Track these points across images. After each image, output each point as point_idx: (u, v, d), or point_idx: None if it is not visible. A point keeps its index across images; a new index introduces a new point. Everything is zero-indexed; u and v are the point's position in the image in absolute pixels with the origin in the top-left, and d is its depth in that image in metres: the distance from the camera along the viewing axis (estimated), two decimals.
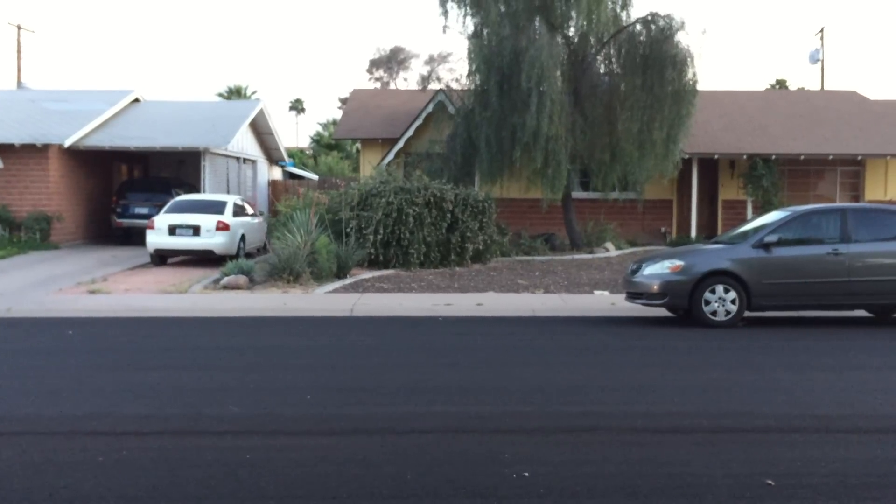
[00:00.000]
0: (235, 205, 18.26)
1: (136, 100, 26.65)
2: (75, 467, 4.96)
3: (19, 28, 35.62)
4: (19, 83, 33.68)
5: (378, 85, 53.42)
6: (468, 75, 19.13)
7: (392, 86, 52.52)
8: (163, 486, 4.63)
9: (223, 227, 17.03)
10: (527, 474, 4.84)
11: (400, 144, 22.08)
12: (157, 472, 4.86)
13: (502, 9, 18.38)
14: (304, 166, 40.22)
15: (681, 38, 18.24)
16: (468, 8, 18.93)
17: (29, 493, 4.55)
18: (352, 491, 4.56)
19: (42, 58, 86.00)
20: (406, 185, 16.69)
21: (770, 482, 4.74)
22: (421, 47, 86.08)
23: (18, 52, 35.44)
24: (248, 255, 17.76)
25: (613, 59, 19.20)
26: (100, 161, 23.38)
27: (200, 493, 4.56)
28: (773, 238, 10.72)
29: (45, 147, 20.71)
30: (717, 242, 12.17)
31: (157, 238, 17.06)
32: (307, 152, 49.82)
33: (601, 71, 19.45)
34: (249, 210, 19.47)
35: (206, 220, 17.02)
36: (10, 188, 20.80)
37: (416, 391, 6.96)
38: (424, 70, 48.57)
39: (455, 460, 5.11)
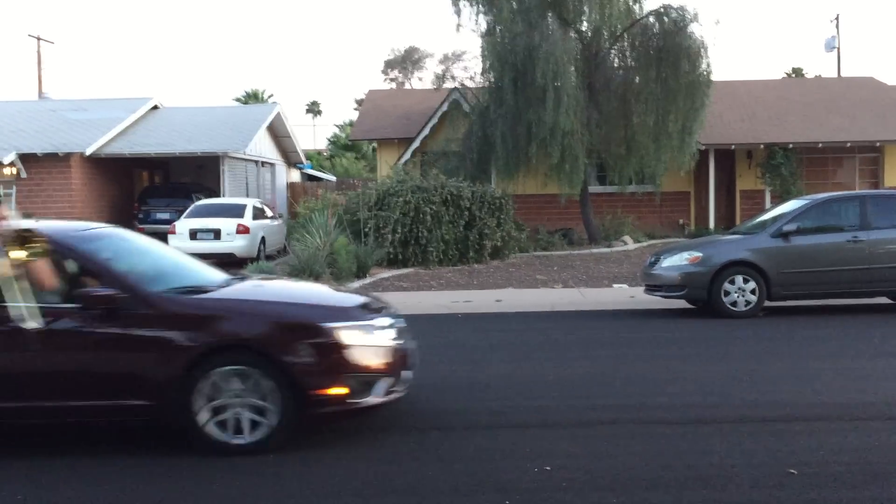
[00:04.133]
0: (255, 208, 18.43)
1: (155, 107, 26.95)
2: None
3: (39, 39, 36.07)
4: (40, 93, 34.12)
5: (393, 85, 53.48)
6: (482, 73, 19.16)
7: (407, 86, 52.55)
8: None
9: (243, 230, 17.19)
10: (548, 468, 4.88)
11: (416, 144, 22.14)
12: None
13: (514, 6, 18.38)
14: (321, 168, 40.41)
15: (694, 29, 18.18)
16: (480, 6, 18.95)
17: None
18: (377, 490, 4.63)
19: (62, 68, 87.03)
20: (423, 184, 16.76)
21: (793, 471, 4.74)
22: (435, 47, 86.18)
23: (39, 63, 35.87)
24: (269, 258, 17.92)
25: (627, 53, 19.15)
26: (121, 168, 23.68)
27: None
28: (791, 227, 10.68)
29: (67, 156, 21.01)
30: (735, 233, 12.14)
31: (179, 243, 17.22)
32: (324, 154, 50.03)
33: (615, 65, 19.40)
34: (269, 213, 19.64)
35: (227, 224, 17.19)
36: (33, 197, 21.13)
37: (438, 388, 7.02)
38: (439, 69, 48.50)
39: (475, 456, 5.16)
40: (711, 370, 7.54)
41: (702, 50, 18.02)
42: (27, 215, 20.43)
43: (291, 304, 5.78)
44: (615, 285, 13.95)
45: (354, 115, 45.62)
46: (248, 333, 5.27)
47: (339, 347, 5.28)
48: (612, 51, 19.32)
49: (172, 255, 6.74)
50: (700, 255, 10.87)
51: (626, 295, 12.79)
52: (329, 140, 55.28)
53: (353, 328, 5.40)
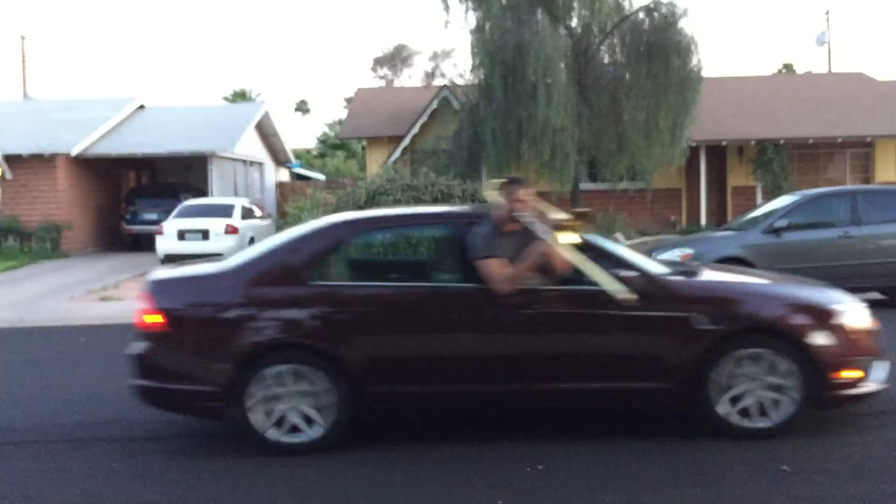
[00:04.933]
0: (243, 208, 18.30)
1: (142, 106, 26.75)
2: (90, 475, 4.98)
3: (23, 39, 35.81)
4: (25, 93, 33.87)
5: (382, 83, 53.38)
6: (472, 70, 19.06)
7: (396, 83, 52.46)
8: (176, 493, 4.65)
9: (232, 230, 17.05)
10: (541, 468, 4.83)
11: (406, 142, 22.05)
12: (170, 478, 4.87)
13: (504, 2, 18.30)
14: (310, 167, 40.26)
15: (684, 24, 18.10)
16: (469, 2, 18.84)
17: (44, 501, 4.57)
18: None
19: (47, 67, 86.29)
20: (413, 183, 16.66)
21: (786, 468, 4.72)
22: (424, 44, 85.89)
23: (23, 62, 35.60)
24: None
25: (617, 49, 19.09)
26: (107, 169, 23.48)
27: (214, 496, 4.57)
28: (783, 223, 10.67)
29: (53, 157, 20.81)
30: (727, 229, 12.11)
31: (167, 243, 17.10)
32: (314, 153, 49.87)
33: (605, 61, 19.35)
34: (258, 212, 19.50)
35: (215, 224, 17.05)
36: (18, 199, 20.92)
37: None
38: (428, 67, 48.55)
39: (468, 456, 5.11)
40: None
41: (692, 46, 17.99)
42: (14, 216, 20.27)
43: (794, 286, 5.82)
44: None
45: (343, 114, 45.51)
46: (768, 316, 5.30)
47: (846, 329, 5.31)
48: (602, 47, 19.26)
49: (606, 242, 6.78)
50: (692, 251, 10.81)
51: None
52: (318, 139, 55.13)
53: (851, 309, 5.43)
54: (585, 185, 21.19)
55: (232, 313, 5.24)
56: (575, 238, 5.15)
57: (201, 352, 5.22)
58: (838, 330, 5.28)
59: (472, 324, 5.23)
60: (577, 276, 5.19)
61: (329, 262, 5.51)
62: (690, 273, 5.68)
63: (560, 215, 5.37)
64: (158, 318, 5.26)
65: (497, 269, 5.11)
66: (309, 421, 5.16)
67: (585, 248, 5.29)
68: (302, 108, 70.26)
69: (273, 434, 5.15)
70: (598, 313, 5.24)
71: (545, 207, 5.60)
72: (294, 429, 5.16)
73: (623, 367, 5.26)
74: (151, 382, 5.30)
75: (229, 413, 5.23)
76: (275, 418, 5.14)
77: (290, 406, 5.14)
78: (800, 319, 5.27)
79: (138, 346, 5.37)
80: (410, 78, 52.96)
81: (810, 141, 21.54)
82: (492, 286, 5.12)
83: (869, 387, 5.35)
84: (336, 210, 16.96)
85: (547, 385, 5.25)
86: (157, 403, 5.44)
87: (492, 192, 5.70)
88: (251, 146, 26.37)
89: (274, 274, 5.32)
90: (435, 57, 48.10)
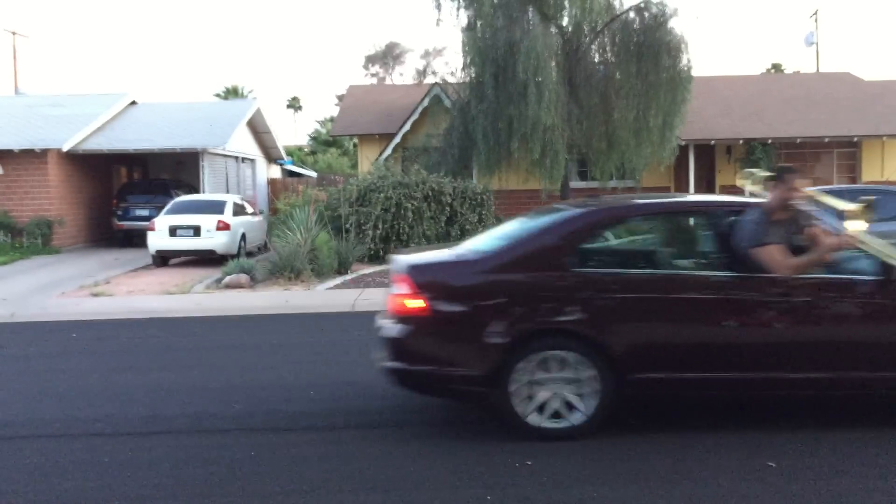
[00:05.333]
0: (235, 204, 18.30)
1: (133, 102, 26.66)
2: (80, 469, 5.01)
3: (14, 34, 35.60)
4: (16, 89, 33.69)
5: (374, 80, 53.37)
6: (463, 68, 19.09)
7: (388, 81, 52.45)
8: (168, 486, 4.69)
9: (223, 226, 17.06)
10: (529, 463, 4.87)
11: (397, 139, 22.08)
12: (161, 472, 4.91)
13: (495, 0, 18.36)
14: (302, 164, 40.22)
15: (674, 24, 18.23)
16: (461, 0, 18.89)
17: (35, 496, 4.60)
18: (318, 484, 4.62)
19: (38, 63, 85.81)
20: (404, 180, 16.71)
21: (772, 464, 4.78)
22: (416, 42, 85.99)
23: (14, 58, 35.41)
24: (249, 254, 17.80)
25: (608, 48, 19.17)
26: (99, 164, 23.41)
27: (205, 491, 4.61)
28: None
29: (44, 152, 20.74)
30: None
31: (158, 239, 17.10)
32: (305, 150, 49.81)
33: (596, 60, 19.42)
34: (249, 209, 19.50)
35: (207, 221, 17.05)
36: (10, 194, 20.85)
37: None
38: (420, 64, 48.66)
39: (458, 452, 5.15)
40: None
41: (682, 45, 18.08)
42: (5, 212, 20.18)
43: None
44: None
45: (335, 111, 45.44)
46: None
47: None
48: (593, 46, 19.33)
49: None
50: None
51: None
52: (310, 136, 55.05)
53: None
54: (575, 184, 21.28)
55: (495, 298, 5.24)
56: (864, 227, 5.15)
57: (464, 336, 5.23)
58: None
59: (737, 312, 5.20)
60: (836, 264, 5.27)
61: (590, 249, 5.52)
62: None
63: (846, 205, 5.36)
64: (420, 303, 5.24)
65: (779, 256, 5.12)
66: (570, 407, 5.19)
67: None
68: (294, 105, 70.07)
69: (534, 419, 5.19)
70: (868, 303, 5.28)
71: (824, 197, 5.63)
72: (556, 414, 5.19)
73: (884, 358, 5.26)
74: (408, 365, 5.33)
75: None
76: (537, 403, 5.18)
77: (552, 392, 5.17)
78: None
79: (394, 329, 5.35)
80: (402, 76, 53.01)
81: (798, 140, 21.68)
82: (775, 273, 5.13)
83: None
84: (328, 207, 17.04)
85: (807, 374, 5.26)
86: (412, 386, 5.49)
87: (749, 182, 5.69)
88: (243, 143, 26.35)
89: (533, 259, 5.31)
90: (426, 55, 48.14)
